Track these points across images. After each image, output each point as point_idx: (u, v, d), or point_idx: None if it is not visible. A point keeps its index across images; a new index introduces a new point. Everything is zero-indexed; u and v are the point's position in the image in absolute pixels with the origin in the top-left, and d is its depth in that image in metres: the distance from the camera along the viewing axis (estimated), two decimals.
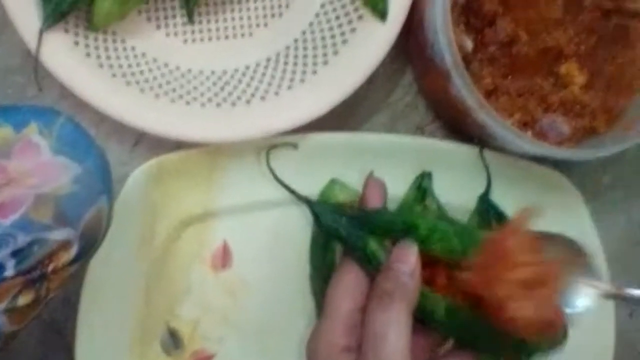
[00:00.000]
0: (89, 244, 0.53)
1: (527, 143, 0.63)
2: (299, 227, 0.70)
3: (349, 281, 0.56)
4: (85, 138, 0.53)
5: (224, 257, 0.70)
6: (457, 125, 0.74)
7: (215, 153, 0.68)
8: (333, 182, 0.70)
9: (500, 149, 0.70)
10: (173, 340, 0.69)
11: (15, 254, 0.48)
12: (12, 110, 0.52)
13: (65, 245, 0.51)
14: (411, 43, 0.72)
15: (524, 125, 0.68)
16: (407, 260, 0.54)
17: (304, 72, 0.69)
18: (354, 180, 0.70)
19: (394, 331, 0.50)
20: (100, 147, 0.53)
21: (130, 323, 0.68)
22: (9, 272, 0.49)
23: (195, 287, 0.70)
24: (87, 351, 0.66)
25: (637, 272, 0.78)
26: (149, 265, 0.68)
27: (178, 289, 0.70)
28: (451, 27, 0.61)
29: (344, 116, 0.72)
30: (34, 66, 0.64)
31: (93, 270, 0.66)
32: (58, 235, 0.50)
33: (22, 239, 0.48)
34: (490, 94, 0.67)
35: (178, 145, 0.68)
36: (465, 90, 0.62)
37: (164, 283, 0.69)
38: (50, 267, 0.51)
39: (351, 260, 0.58)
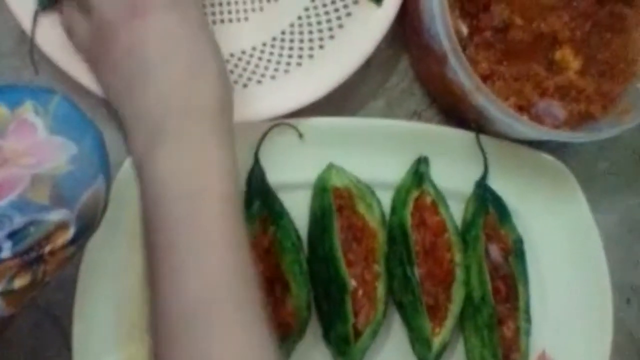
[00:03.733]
0: (86, 225, 0.52)
1: (524, 125, 0.63)
2: (296, 210, 0.70)
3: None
4: (82, 117, 0.52)
5: None
6: (453, 111, 0.73)
7: None
8: (330, 167, 0.70)
9: (497, 134, 0.70)
10: None
11: (12, 235, 0.48)
12: (6, 90, 0.51)
13: (62, 226, 0.50)
14: (407, 28, 0.72)
15: (520, 109, 0.67)
16: None
17: (300, 56, 0.69)
18: (351, 165, 0.70)
19: None
20: (98, 127, 0.53)
21: (127, 308, 0.67)
22: (5, 253, 0.48)
23: None
24: (83, 337, 0.66)
25: (634, 257, 0.78)
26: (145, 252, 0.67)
27: None
28: (448, 11, 0.61)
29: (340, 102, 0.72)
30: (29, 48, 0.63)
31: (89, 255, 0.66)
32: (55, 216, 0.49)
33: (18, 220, 0.48)
34: (485, 79, 0.67)
35: None
36: (462, 73, 0.62)
37: None
38: (47, 249, 0.50)
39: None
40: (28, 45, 0.63)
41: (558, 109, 0.68)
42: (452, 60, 0.62)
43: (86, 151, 0.51)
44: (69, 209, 0.50)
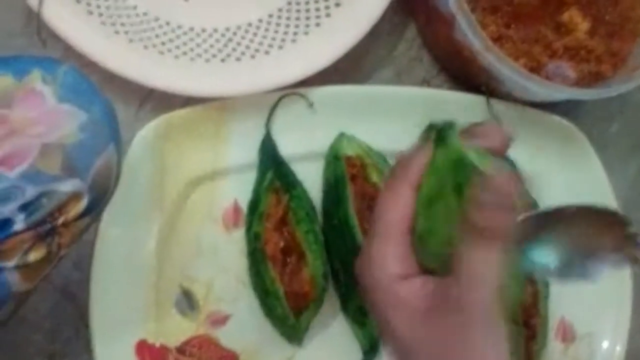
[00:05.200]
0: (99, 195, 0.52)
1: (535, 84, 0.63)
2: (309, 180, 0.70)
3: (405, 199, 0.49)
4: (90, 85, 0.51)
5: (235, 216, 0.70)
6: (462, 76, 0.73)
7: (222, 109, 0.68)
8: (342, 136, 0.69)
9: (508, 97, 0.70)
10: (188, 301, 0.69)
11: (24, 207, 0.47)
12: (12, 60, 0.51)
13: (75, 196, 0.50)
14: None
15: (530, 71, 0.67)
16: (508, 189, 0.46)
17: (307, 26, 0.68)
18: (363, 133, 0.70)
19: (490, 275, 0.45)
20: (107, 97, 0.52)
21: (143, 285, 0.67)
22: (19, 226, 0.47)
23: (207, 247, 0.69)
24: (101, 315, 0.66)
25: None
26: (160, 226, 0.68)
27: (190, 250, 0.69)
28: None
29: (348, 72, 0.72)
30: (36, 25, 0.63)
31: (104, 232, 0.66)
32: (67, 186, 0.49)
33: (30, 191, 0.47)
34: (494, 42, 0.66)
35: (184, 105, 0.68)
36: (470, 33, 0.61)
37: (175, 244, 0.69)
38: (61, 220, 0.50)
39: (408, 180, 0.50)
40: (36, 23, 0.63)
41: (568, 70, 0.67)
42: (461, 21, 0.62)
43: (96, 119, 0.50)
44: (81, 178, 0.49)
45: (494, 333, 0.45)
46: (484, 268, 0.46)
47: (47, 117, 0.49)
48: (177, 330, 0.68)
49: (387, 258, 0.48)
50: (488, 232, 0.46)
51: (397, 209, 0.49)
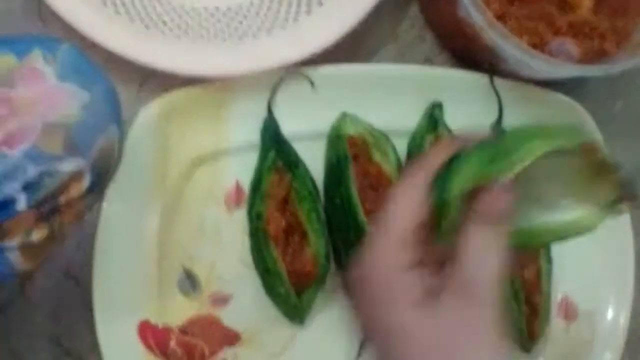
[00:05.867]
0: (101, 174, 0.52)
1: (538, 61, 0.62)
2: (312, 160, 0.69)
3: (414, 197, 0.50)
4: (91, 65, 0.51)
5: (237, 196, 0.69)
6: (466, 53, 0.73)
7: (223, 89, 0.68)
8: (344, 115, 0.69)
9: (511, 75, 0.69)
10: (190, 281, 0.69)
11: (26, 186, 0.47)
12: (13, 39, 0.51)
13: (76, 176, 0.50)
14: None
15: (533, 48, 0.66)
16: (506, 186, 0.49)
17: (309, 4, 0.68)
18: (365, 113, 0.69)
19: (497, 251, 0.47)
20: (108, 76, 0.52)
21: (146, 266, 0.67)
22: (21, 205, 0.48)
23: (209, 228, 0.69)
24: (104, 296, 0.66)
25: None
26: (163, 207, 0.67)
27: (193, 230, 0.69)
28: None
29: (351, 50, 0.71)
30: (37, 5, 0.63)
31: (106, 213, 0.65)
32: (69, 165, 0.49)
33: (32, 171, 0.47)
34: (497, 19, 0.66)
35: (185, 85, 0.67)
36: (474, 10, 0.61)
37: (178, 224, 0.69)
38: (63, 200, 0.50)
39: (417, 171, 0.52)
40: (36, 3, 0.63)
41: (572, 47, 0.67)
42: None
43: (97, 99, 0.50)
44: (82, 157, 0.50)
45: (494, 313, 0.47)
46: (487, 249, 0.47)
47: (48, 96, 0.49)
48: (179, 310, 0.69)
49: (393, 249, 0.49)
50: (490, 216, 0.48)
51: (405, 203, 0.51)
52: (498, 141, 0.51)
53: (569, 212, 0.51)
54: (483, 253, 0.47)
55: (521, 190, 0.50)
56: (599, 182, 0.51)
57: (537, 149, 0.49)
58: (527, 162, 0.48)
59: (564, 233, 0.52)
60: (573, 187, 0.52)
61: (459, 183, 0.50)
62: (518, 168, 0.48)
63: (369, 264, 0.50)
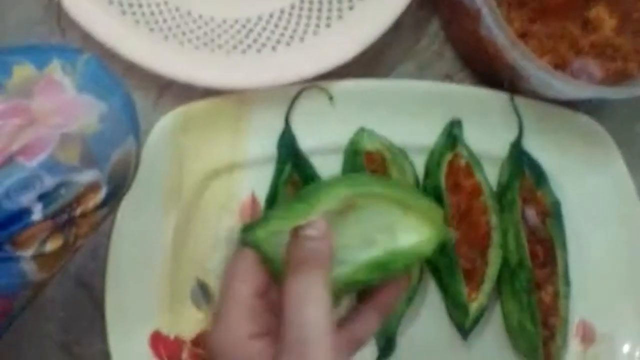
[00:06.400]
0: (118, 186, 0.51)
1: (561, 82, 0.62)
2: (328, 175, 0.69)
3: (247, 266, 0.51)
4: (110, 76, 0.51)
5: (253, 210, 0.69)
6: (486, 72, 0.72)
7: (241, 101, 0.67)
8: (362, 130, 0.69)
9: (532, 94, 0.69)
10: (203, 293, 0.68)
11: (42, 197, 0.47)
12: (33, 49, 0.51)
13: (93, 187, 0.49)
14: None
15: (555, 68, 0.66)
16: (316, 224, 0.49)
17: (329, 18, 0.68)
18: (383, 128, 0.69)
19: (314, 301, 0.47)
20: (127, 87, 0.52)
21: (159, 277, 0.67)
22: (36, 216, 0.47)
23: (224, 240, 0.69)
24: (116, 305, 0.66)
25: None
26: (177, 218, 0.67)
27: (207, 242, 0.69)
28: None
29: (370, 65, 0.71)
30: (56, 13, 0.63)
31: (120, 223, 0.65)
32: (86, 177, 0.49)
33: (48, 182, 0.47)
34: (519, 38, 0.66)
35: (203, 96, 0.67)
36: (496, 28, 0.61)
37: (192, 236, 0.68)
38: (79, 211, 0.49)
39: (248, 248, 0.52)
40: (55, 12, 0.63)
41: (594, 68, 0.66)
42: (486, 16, 0.61)
43: (116, 110, 0.50)
44: (99, 169, 0.49)
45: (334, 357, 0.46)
46: (305, 302, 0.47)
47: (66, 107, 0.48)
48: (192, 322, 0.68)
49: (239, 320, 0.49)
50: (301, 264, 0.48)
51: (241, 277, 0.51)
52: (303, 190, 0.53)
53: (401, 242, 0.52)
54: (303, 307, 0.47)
55: (347, 230, 0.51)
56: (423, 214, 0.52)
57: (338, 192, 0.50)
58: (326, 205, 0.49)
59: (400, 262, 0.51)
60: (400, 220, 0.52)
61: (264, 227, 0.50)
62: (318, 209, 0.49)
63: (217, 335, 0.50)
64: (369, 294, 0.53)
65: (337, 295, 0.50)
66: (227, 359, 0.49)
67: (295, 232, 0.49)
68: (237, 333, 0.49)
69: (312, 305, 0.47)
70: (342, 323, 0.52)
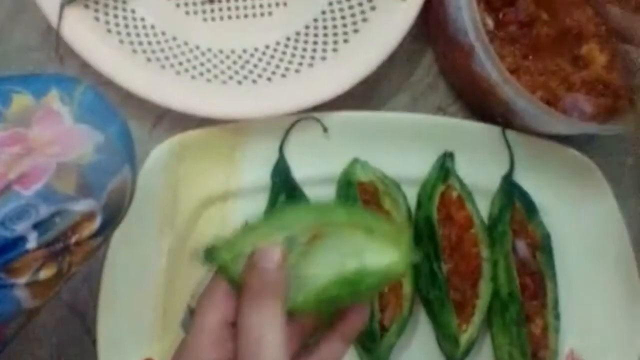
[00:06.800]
0: (113, 215, 0.52)
1: (552, 118, 0.62)
2: None
3: (217, 294, 0.51)
4: (108, 106, 0.51)
5: None
6: (479, 105, 0.73)
7: (237, 131, 0.68)
8: (355, 161, 0.69)
9: (524, 128, 0.70)
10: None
11: (37, 225, 0.47)
12: (32, 78, 0.51)
13: (88, 216, 0.50)
14: (432, 21, 0.72)
15: (547, 104, 0.66)
16: (270, 254, 0.48)
17: (324, 50, 0.69)
18: (376, 160, 0.69)
19: (271, 330, 0.46)
20: (123, 116, 0.52)
21: (151, 304, 0.67)
22: (31, 244, 0.47)
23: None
24: (108, 332, 0.66)
25: None
26: (171, 246, 0.68)
27: (199, 270, 0.68)
28: (475, 2, 0.61)
29: (364, 97, 0.72)
30: (55, 41, 0.63)
31: (114, 250, 0.65)
32: (81, 206, 0.49)
33: (44, 210, 0.47)
34: (511, 73, 0.66)
35: (198, 125, 0.68)
36: (489, 64, 0.61)
37: (185, 264, 0.68)
38: (73, 240, 0.50)
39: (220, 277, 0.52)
40: (54, 39, 0.64)
41: (585, 104, 0.67)
42: (479, 53, 0.62)
43: (112, 140, 0.50)
44: (95, 199, 0.49)
45: None
46: (260, 329, 0.47)
47: (63, 137, 0.49)
48: None
49: (202, 344, 0.49)
50: (256, 294, 0.47)
51: (210, 304, 0.50)
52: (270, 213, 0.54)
53: (370, 264, 0.50)
54: (256, 338, 0.47)
55: (315, 259, 0.50)
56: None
57: (304, 219, 0.50)
58: (289, 230, 0.49)
59: (371, 281, 0.50)
60: (368, 245, 0.51)
61: (229, 248, 0.50)
62: (280, 234, 0.49)
63: (181, 354, 0.50)
64: (334, 320, 0.53)
65: (309, 316, 0.51)
66: None
67: (251, 260, 0.49)
68: (198, 358, 0.49)
69: (266, 342, 0.46)
70: (309, 349, 0.52)
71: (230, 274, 0.49)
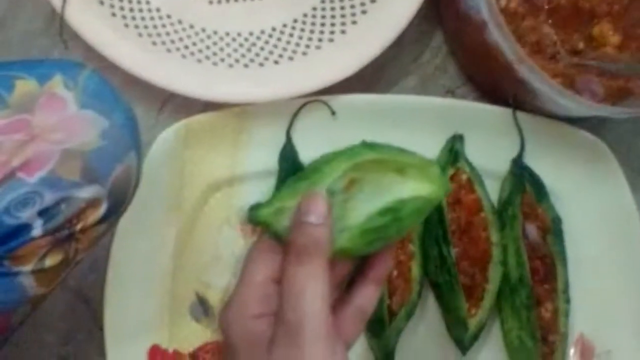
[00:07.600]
0: (118, 202, 0.51)
1: (568, 99, 0.62)
2: None
3: (263, 251, 0.52)
4: (112, 91, 0.51)
5: None
6: (490, 85, 0.72)
7: (243, 115, 0.67)
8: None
9: (536, 110, 0.69)
10: (202, 308, 0.68)
11: (42, 213, 0.47)
12: (35, 64, 0.51)
13: (93, 203, 0.49)
14: (442, 1, 0.71)
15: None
16: (315, 210, 0.50)
17: (332, 32, 0.68)
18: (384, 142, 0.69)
19: (312, 286, 0.48)
20: (128, 101, 0.52)
21: (158, 290, 0.67)
22: (37, 231, 0.47)
23: (224, 254, 0.69)
24: (115, 318, 0.66)
25: None
26: (178, 231, 0.67)
27: (207, 256, 0.69)
28: None
29: (372, 79, 0.71)
30: (59, 26, 0.63)
31: (121, 236, 0.65)
32: (86, 192, 0.48)
33: (49, 197, 0.47)
34: None
35: (205, 109, 0.67)
36: (504, 42, 0.60)
37: (192, 249, 0.68)
38: (79, 227, 0.49)
39: (266, 234, 0.54)
40: (58, 24, 0.63)
41: (597, 85, 0.66)
42: (493, 29, 0.61)
43: (117, 126, 0.50)
44: (100, 185, 0.49)
45: (328, 346, 0.47)
46: (302, 284, 0.48)
47: (68, 123, 0.48)
48: (190, 336, 0.68)
49: (248, 300, 0.50)
50: (301, 251, 0.49)
51: (256, 261, 0.52)
52: (304, 170, 0.54)
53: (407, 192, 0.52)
54: (300, 295, 0.48)
55: (354, 212, 0.51)
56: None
57: (337, 166, 0.52)
58: (328, 179, 0.51)
59: (410, 207, 0.52)
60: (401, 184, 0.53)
61: (269, 205, 0.51)
62: (320, 186, 0.51)
63: (226, 313, 0.51)
64: (363, 267, 0.54)
65: (348, 260, 0.53)
66: (232, 334, 0.50)
67: (297, 215, 0.50)
68: (244, 312, 0.50)
69: (309, 294, 0.48)
70: (343, 298, 0.53)
71: (275, 229, 0.50)
